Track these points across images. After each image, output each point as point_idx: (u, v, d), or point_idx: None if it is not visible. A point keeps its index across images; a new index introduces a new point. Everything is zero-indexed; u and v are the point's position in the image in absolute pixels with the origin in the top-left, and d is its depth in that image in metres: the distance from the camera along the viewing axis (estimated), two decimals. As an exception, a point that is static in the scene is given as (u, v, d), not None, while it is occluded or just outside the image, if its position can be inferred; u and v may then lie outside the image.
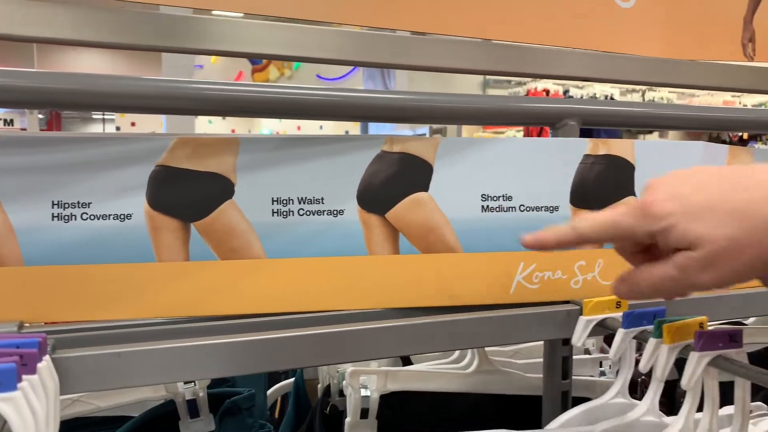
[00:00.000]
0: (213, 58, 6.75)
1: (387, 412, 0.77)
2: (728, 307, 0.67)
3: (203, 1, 0.68)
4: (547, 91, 4.75)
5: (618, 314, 0.61)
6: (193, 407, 0.67)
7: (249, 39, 0.67)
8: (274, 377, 1.02)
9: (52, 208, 0.55)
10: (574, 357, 0.80)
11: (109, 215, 0.56)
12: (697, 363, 0.50)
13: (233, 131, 7.88)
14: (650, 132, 4.96)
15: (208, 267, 0.59)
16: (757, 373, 0.48)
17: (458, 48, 0.73)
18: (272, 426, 0.76)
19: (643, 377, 0.95)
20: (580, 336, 0.62)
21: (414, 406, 0.79)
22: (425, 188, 0.64)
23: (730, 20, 0.79)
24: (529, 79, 4.98)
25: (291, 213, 0.61)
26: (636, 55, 0.74)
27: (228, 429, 0.70)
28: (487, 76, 5.26)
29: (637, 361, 0.57)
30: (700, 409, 0.54)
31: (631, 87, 5.13)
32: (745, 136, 5.40)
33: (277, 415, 1.04)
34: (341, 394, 0.79)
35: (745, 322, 0.98)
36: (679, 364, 0.53)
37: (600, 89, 5.00)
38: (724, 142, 5.64)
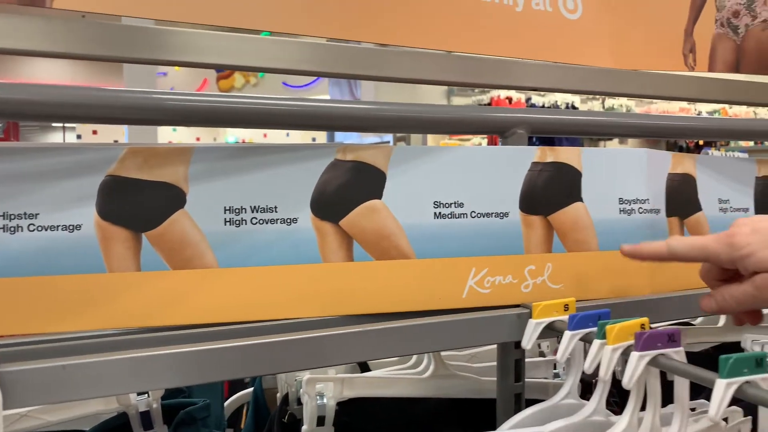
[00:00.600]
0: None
1: (346, 418, 0.78)
2: (670, 309, 0.69)
3: (165, 14, 0.67)
4: (510, 99, 4.83)
5: (566, 317, 0.62)
6: (146, 419, 0.67)
7: (212, 50, 0.67)
8: (237, 387, 1.01)
9: (-2, 219, 0.54)
10: (529, 360, 0.82)
11: (58, 226, 0.56)
12: (637, 363, 0.52)
13: (198, 139, 7.79)
14: (610, 139, 5.08)
15: (160, 277, 0.59)
16: (694, 372, 0.50)
17: (421, 59, 0.74)
18: (231, 436, 0.76)
19: (596, 379, 0.98)
20: (529, 339, 0.63)
21: (373, 411, 0.79)
22: (378, 196, 0.65)
23: (672, 32, 0.82)
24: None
25: (244, 222, 0.61)
26: (583, 65, 0.77)
27: (183, 440, 0.70)
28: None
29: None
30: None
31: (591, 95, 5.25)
32: (701, 142, 5.57)
33: (242, 425, 1.03)
34: (299, 402, 0.79)
35: (693, 322, 1.01)
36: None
37: (561, 97, 5.11)
38: (680, 147, 5.81)
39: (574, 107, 5.34)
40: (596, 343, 0.55)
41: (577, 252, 0.71)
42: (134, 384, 0.51)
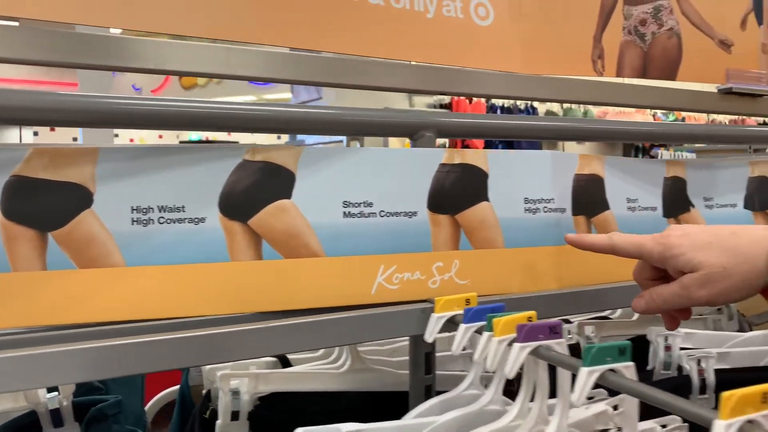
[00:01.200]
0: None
1: (266, 412, 0.80)
2: (560, 303, 0.73)
3: (121, 23, 0.68)
4: (470, 99, 4.89)
5: (466, 311, 0.65)
6: (57, 417, 0.68)
7: (169, 58, 0.68)
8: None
9: None
10: (446, 353, 0.85)
11: (-40, 226, 0.56)
12: (518, 353, 0.55)
13: (160, 137, 7.67)
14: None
15: (66, 276, 0.60)
16: (567, 360, 0.53)
17: (379, 68, 0.76)
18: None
19: (519, 372, 1.01)
20: (431, 332, 0.66)
21: (293, 406, 0.81)
22: (288, 196, 0.67)
23: (582, 39, 0.86)
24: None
25: (151, 221, 0.62)
26: (495, 71, 0.80)
27: (95, 437, 0.70)
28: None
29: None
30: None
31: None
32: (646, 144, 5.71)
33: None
34: (222, 398, 0.80)
35: (611, 316, 1.06)
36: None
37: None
38: (637, 147, 5.95)
39: (533, 108, 5.44)
40: (485, 335, 0.58)
41: (483, 249, 0.74)
42: (33, 380, 0.53)
